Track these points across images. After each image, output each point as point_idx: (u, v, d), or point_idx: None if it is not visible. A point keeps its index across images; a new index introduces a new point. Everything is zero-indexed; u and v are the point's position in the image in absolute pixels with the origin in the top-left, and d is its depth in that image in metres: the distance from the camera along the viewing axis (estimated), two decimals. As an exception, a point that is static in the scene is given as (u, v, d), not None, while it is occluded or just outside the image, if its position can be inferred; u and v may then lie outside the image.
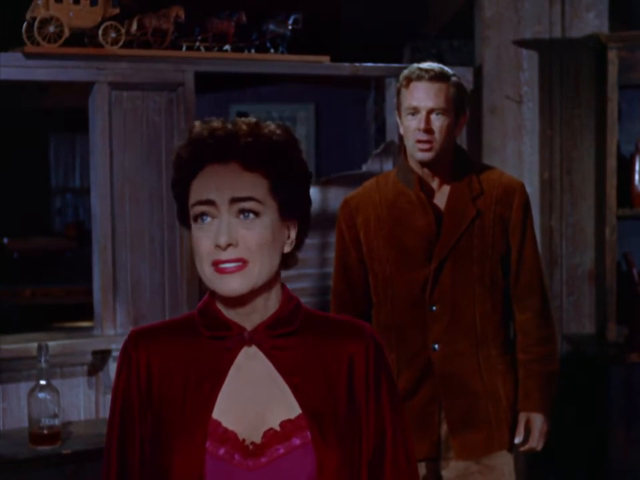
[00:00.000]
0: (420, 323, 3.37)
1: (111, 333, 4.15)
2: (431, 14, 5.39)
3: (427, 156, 3.32)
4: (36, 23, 3.93)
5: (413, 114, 3.32)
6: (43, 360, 3.73)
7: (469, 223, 3.35)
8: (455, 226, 3.36)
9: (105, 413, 4.16)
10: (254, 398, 1.86)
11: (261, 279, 1.82)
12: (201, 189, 1.82)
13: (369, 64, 4.64)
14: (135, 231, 4.19)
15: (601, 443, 4.70)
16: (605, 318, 4.82)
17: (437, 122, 3.30)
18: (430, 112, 3.30)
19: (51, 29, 3.95)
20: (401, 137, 3.43)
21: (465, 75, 4.88)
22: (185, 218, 1.88)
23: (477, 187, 3.39)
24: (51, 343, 3.87)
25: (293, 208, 1.86)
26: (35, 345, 3.79)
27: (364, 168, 4.87)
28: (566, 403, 4.95)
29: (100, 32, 4.02)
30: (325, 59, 4.50)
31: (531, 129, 4.98)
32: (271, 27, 4.32)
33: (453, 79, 3.35)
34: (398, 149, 3.47)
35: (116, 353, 4.09)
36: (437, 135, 3.31)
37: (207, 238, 1.81)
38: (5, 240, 8.08)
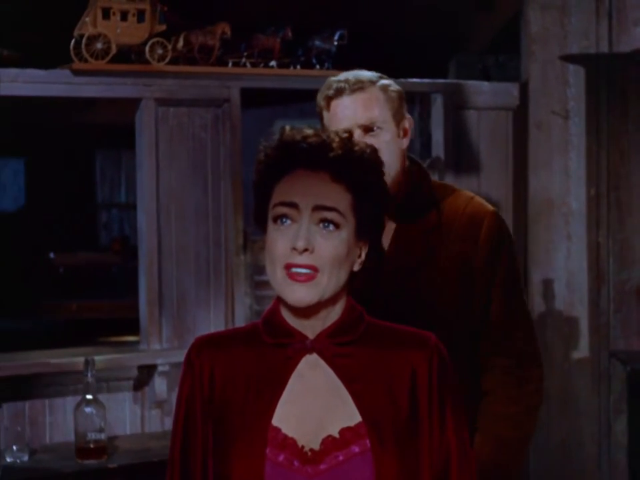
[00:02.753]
0: None
1: (157, 347, 4.17)
2: (477, 29, 5.37)
3: None
4: (84, 40, 3.96)
5: None
6: (89, 374, 3.75)
7: (413, 271, 2.61)
8: (397, 278, 2.61)
9: (150, 427, 4.18)
10: (314, 405, 1.87)
11: (329, 291, 1.84)
12: (286, 191, 1.84)
13: (414, 79, 4.63)
14: (180, 247, 4.21)
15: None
16: (653, 335, 4.78)
17: (377, 139, 2.61)
18: (366, 130, 2.64)
19: (99, 45, 3.99)
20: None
21: (511, 91, 4.88)
22: (261, 219, 1.89)
23: (432, 217, 2.66)
24: (97, 358, 3.89)
25: (368, 228, 1.88)
26: (82, 359, 3.81)
27: (409, 183, 4.85)
28: (614, 420, 4.90)
29: (147, 48, 4.05)
30: (370, 74, 4.50)
31: (577, 145, 4.94)
32: (317, 42, 4.34)
33: (381, 81, 2.70)
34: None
35: (162, 368, 4.11)
36: (383, 155, 2.62)
37: (284, 240, 1.82)
38: (52, 254, 8.14)
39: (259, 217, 1.91)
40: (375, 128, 2.65)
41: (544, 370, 2.67)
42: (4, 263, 7.23)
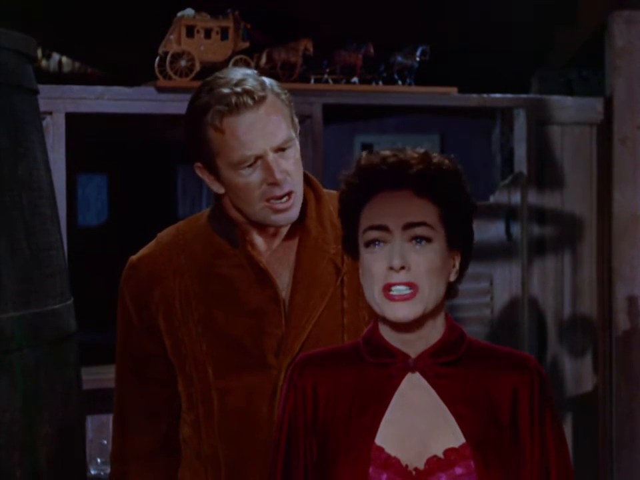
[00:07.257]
0: (266, 456, 2.05)
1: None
2: (559, 43, 5.34)
3: (290, 215, 2.21)
4: (168, 58, 4.02)
5: (250, 165, 2.15)
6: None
7: (331, 290, 2.24)
8: (309, 299, 2.21)
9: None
10: (417, 425, 1.87)
11: (430, 305, 1.85)
12: (373, 214, 1.86)
13: (497, 95, 4.61)
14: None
15: None
16: None
17: (289, 160, 2.18)
18: (277, 151, 2.16)
19: (183, 63, 4.03)
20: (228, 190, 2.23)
21: (595, 106, 4.82)
22: (351, 245, 1.92)
23: (331, 233, 2.26)
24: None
25: (459, 237, 1.90)
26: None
27: (491, 199, 4.84)
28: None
29: (230, 65, 4.08)
30: (453, 90, 4.50)
31: (662, 160, 4.88)
32: (399, 58, 4.34)
33: (268, 81, 2.20)
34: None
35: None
36: (295, 177, 2.19)
37: (380, 261, 1.84)
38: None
39: (348, 243, 1.93)
40: (286, 148, 2.17)
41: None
42: (87, 277, 7.33)
